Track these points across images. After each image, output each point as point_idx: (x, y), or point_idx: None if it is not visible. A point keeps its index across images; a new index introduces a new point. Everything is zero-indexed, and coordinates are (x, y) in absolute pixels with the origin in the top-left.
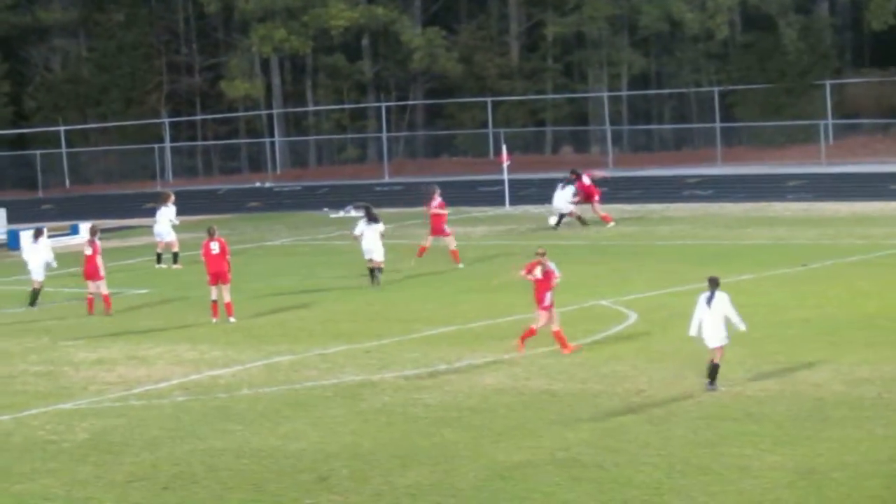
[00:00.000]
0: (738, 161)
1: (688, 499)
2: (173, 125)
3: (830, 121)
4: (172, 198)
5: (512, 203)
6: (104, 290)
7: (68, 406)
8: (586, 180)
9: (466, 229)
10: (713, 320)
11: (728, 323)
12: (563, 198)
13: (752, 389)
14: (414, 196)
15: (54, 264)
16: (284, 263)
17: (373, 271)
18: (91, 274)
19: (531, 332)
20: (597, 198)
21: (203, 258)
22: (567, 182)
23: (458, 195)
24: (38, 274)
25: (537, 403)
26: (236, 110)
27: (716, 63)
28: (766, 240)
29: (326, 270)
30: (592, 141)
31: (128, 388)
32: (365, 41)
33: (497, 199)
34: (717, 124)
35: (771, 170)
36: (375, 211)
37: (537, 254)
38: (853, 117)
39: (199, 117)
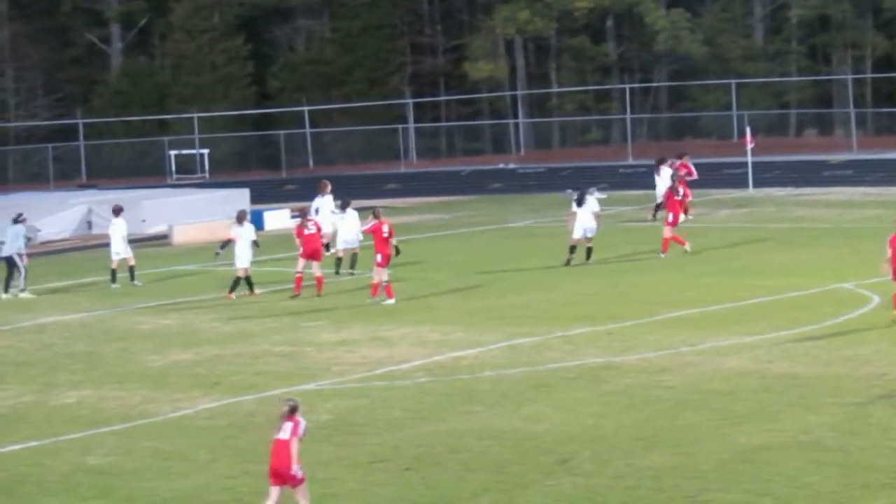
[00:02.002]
0: None
1: None
2: (417, 106)
3: None
4: (329, 187)
5: (755, 186)
6: (318, 272)
7: (311, 387)
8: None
9: (709, 211)
10: None
11: None
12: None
13: None
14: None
15: (361, 236)
16: (526, 245)
17: (589, 250)
18: (315, 254)
19: None
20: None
21: (375, 240)
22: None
23: (702, 177)
24: (349, 243)
25: (780, 386)
26: (479, 91)
27: None
28: None
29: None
30: (836, 123)
31: (370, 370)
32: (609, 22)
33: (741, 182)
34: None
35: None
36: (586, 194)
37: None
38: None
39: (442, 98)
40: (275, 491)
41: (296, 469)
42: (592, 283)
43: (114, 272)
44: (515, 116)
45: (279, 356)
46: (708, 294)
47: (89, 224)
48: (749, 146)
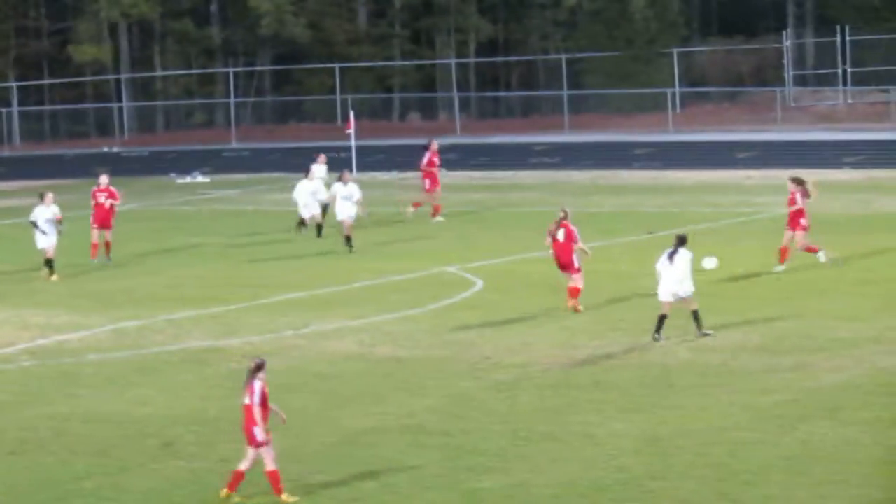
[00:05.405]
0: (586, 129)
1: (532, 466)
2: (21, 89)
3: (678, 89)
4: (51, 196)
5: (359, 169)
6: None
7: None
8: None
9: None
10: (675, 275)
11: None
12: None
13: (597, 356)
14: (261, 161)
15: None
16: (131, 229)
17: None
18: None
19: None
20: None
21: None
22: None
23: (306, 161)
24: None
25: (384, 370)
26: (84, 75)
27: (563, 31)
28: (612, 207)
29: (173, 236)
30: (440, 108)
31: None
32: (213, 6)
33: (344, 166)
34: (565, 92)
35: (618, 137)
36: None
37: (559, 216)
38: (700, 86)
39: (46, 81)
40: (250, 451)
41: (258, 432)
42: (196, 266)
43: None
44: (119, 100)
45: None
46: (313, 277)
47: None
48: (349, 130)
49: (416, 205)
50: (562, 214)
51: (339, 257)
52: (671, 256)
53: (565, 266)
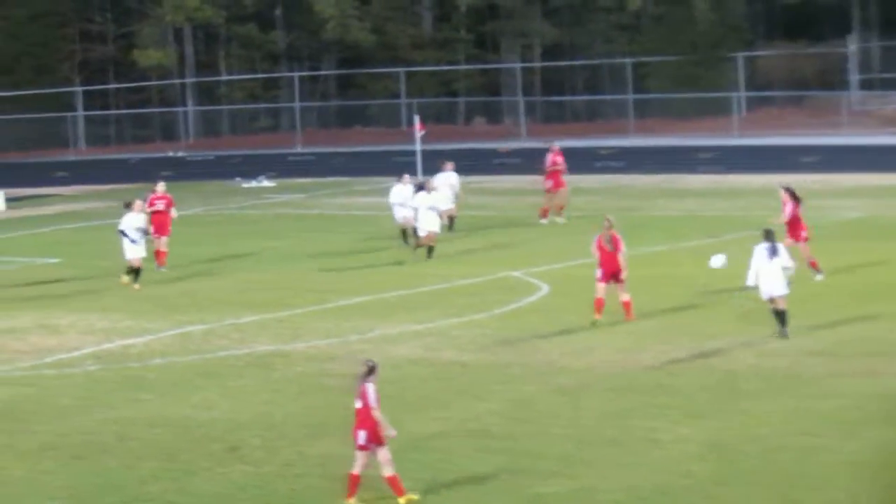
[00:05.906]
0: (650, 133)
1: (597, 470)
2: (86, 94)
3: (743, 93)
4: (140, 203)
5: (426, 173)
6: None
7: None
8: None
9: (378, 199)
10: (774, 271)
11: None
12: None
13: (662, 361)
14: (326, 166)
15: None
16: (196, 233)
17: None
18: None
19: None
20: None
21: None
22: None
23: (371, 165)
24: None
25: (448, 374)
26: (149, 79)
27: (628, 35)
28: (677, 211)
29: (239, 240)
30: (505, 111)
31: (39, 358)
32: (278, 11)
33: (410, 170)
34: (630, 96)
35: (682, 141)
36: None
37: (605, 226)
38: (765, 89)
39: (111, 86)
40: (380, 453)
41: (360, 435)
42: (262, 270)
43: None
44: (184, 104)
45: None
46: (378, 282)
47: None
48: (419, 133)
49: (545, 211)
50: (607, 224)
51: (404, 263)
52: (771, 255)
53: (616, 274)
